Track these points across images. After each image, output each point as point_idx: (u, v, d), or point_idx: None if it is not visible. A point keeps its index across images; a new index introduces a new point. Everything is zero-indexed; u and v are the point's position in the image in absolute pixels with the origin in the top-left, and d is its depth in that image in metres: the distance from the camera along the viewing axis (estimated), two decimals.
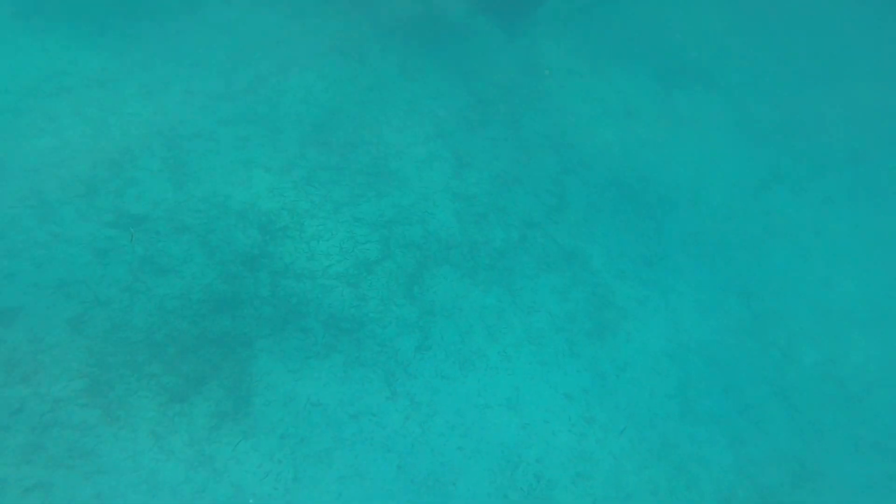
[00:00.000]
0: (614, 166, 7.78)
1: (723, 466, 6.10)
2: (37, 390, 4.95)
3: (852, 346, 7.08)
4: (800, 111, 8.97)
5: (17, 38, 7.16)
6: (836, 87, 9.32)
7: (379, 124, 7.26)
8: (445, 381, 5.85)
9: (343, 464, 5.29)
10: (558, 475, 5.72)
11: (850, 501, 6.16)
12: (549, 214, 7.11)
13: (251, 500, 5.17)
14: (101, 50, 7.24)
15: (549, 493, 5.61)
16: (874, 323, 7.27)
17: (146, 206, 6.05)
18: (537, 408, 5.95)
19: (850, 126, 8.93)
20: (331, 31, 8.23)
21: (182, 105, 6.91)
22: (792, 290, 7.29)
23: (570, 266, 6.82)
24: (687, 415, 6.26)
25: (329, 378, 5.57)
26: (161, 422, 5.01)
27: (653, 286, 6.94)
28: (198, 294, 5.64)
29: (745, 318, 6.96)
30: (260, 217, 6.23)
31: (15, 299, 5.36)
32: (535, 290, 6.53)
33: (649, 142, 8.12)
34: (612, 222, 7.27)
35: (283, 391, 5.41)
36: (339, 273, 6.11)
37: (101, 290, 5.47)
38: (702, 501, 5.86)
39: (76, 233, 5.83)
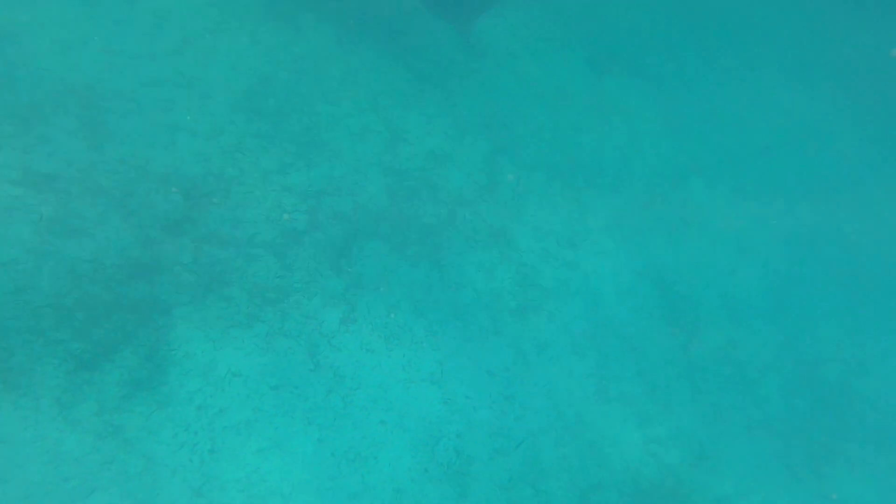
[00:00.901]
0: (544, 149, 7.73)
1: (632, 445, 6.21)
2: None
3: (751, 332, 7.36)
4: (719, 105, 9.21)
5: None
6: (753, 84, 9.62)
7: (312, 94, 6.91)
8: (370, 355, 5.66)
9: (262, 436, 5.03)
10: (477, 451, 5.66)
11: (740, 479, 6.41)
12: (479, 193, 7.00)
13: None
14: (12, 2, 6.56)
15: (468, 468, 5.54)
16: (772, 311, 7.58)
17: (57, 164, 5.51)
18: (460, 384, 5.85)
19: (762, 122, 9.25)
20: None
21: (100, 64, 6.34)
22: (701, 278, 7.48)
23: (497, 244, 6.73)
24: (601, 394, 6.33)
25: (251, 348, 5.27)
26: (67, 390, 4.59)
27: (575, 267, 6.95)
28: (112, 258, 5.19)
29: (658, 302, 7.08)
30: (183, 182, 5.81)
31: None
32: (463, 267, 6.42)
33: (580, 126, 8.12)
34: (539, 202, 7.23)
35: (202, 361, 5.07)
36: (265, 242, 5.78)
37: (1, 249, 4.94)
38: (611, 479, 5.96)
39: None
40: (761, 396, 7.06)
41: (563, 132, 7.95)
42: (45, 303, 4.83)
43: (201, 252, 5.51)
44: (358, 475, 5.16)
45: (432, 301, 6.10)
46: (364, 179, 6.55)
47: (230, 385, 5.06)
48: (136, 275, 5.21)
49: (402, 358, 5.75)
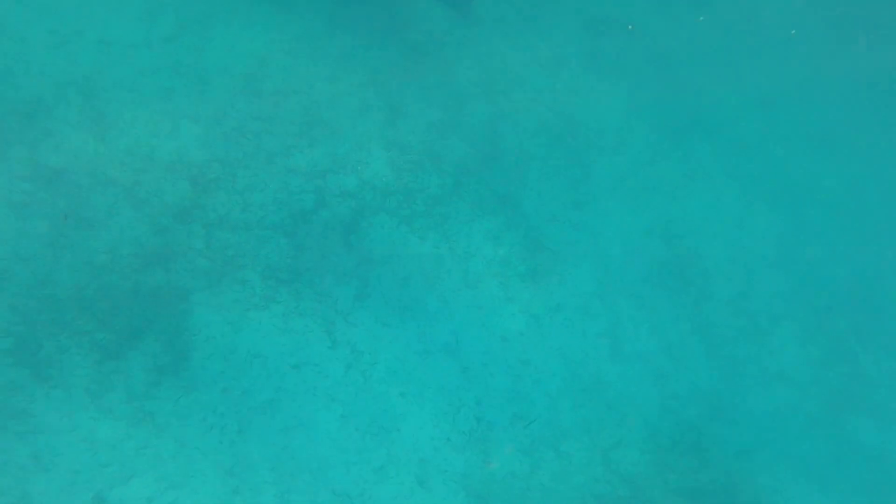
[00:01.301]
0: (544, 113, 7.78)
1: (649, 403, 6.38)
2: None
3: (761, 282, 7.48)
4: (717, 59, 9.21)
5: None
6: (750, 35, 9.61)
7: (310, 74, 6.96)
8: (385, 329, 5.82)
9: (287, 415, 5.21)
10: (497, 416, 5.83)
11: (759, 431, 6.58)
12: (482, 161, 7.09)
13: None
14: None
15: (489, 434, 5.72)
16: (781, 260, 7.69)
17: (65, 158, 5.62)
18: (475, 351, 6.02)
19: (760, 73, 9.27)
20: None
21: (98, 54, 6.40)
22: (708, 231, 7.59)
23: (503, 211, 6.85)
24: (616, 354, 6.49)
25: (269, 329, 5.44)
26: (96, 379, 4.77)
27: (582, 229, 7.07)
28: (128, 248, 5.34)
29: (666, 258, 7.21)
30: (190, 169, 5.91)
31: None
32: (470, 236, 6.54)
33: (578, 89, 8.16)
34: (542, 167, 7.33)
35: (223, 344, 5.24)
36: (274, 223, 5.91)
37: (20, 245, 5.09)
38: (631, 437, 6.13)
39: None
40: (776, 347, 7.21)
41: (561, 95, 8.00)
42: (66, 295, 4.99)
43: (213, 237, 5.65)
44: (382, 448, 5.35)
45: (443, 272, 6.24)
46: (367, 155, 6.65)
47: (252, 366, 5.24)
48: (151, 263, 5.36)
49: (416, 330, 5.91)
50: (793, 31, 9.89)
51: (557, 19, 8.70)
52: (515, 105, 7.75)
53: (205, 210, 5.77)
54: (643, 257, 7.16)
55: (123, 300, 5.12)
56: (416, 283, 6.11)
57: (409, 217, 6.42)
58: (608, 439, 6.03)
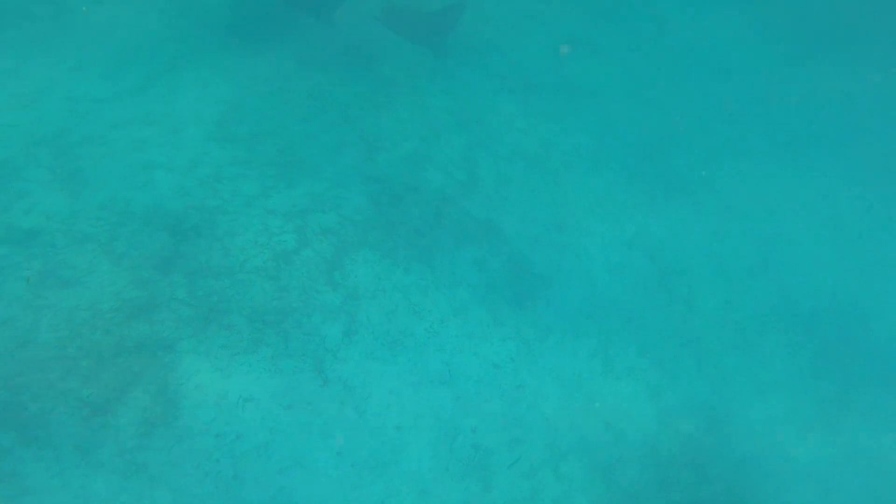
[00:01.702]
0: (519, 138, 8.06)
1: (646, 419, 6.51)
2: None
3: (746, 292, 7.73)
4: (681, 77, 9.66)
5: None
6: (714, 48, 10.11)
7: (283, 115, 7.17)
8: (376, 363, 5.91)
9: (282, 456, 5.25)
10: (495, 443, 5.92)
11: (758, 439, 6.73)
12: (461, 189, 7.30)
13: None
14: None
15: (488, 461, 5.80)
16: (763, 269, 7.96)
17: (38, 219, 5.70)
18: (468, 379, 6.12)
19: (728, 89, 9.73)
20: (219, 27, 8.04)
21: (65, 112, 6.55)
22: (689, 244, 7.85)
23: (486, 237, 7.02)
24: (609, 372, 6.64)
25: (259, 372, 5.50)
26: (85, 436, 4.77)
27: (565, 249, 7.28)
28: (109, 303, 5.39)
29: (651, 273, 7.44)
30: (167, 218, 6.02)
31: None
32: (455, 265, 6.69)
33: (550, 112, 8.48)
34: (521, 192, 7.56)
35: (213, 390, 5.28)
36: (257, 267, 6.01)
37: None
38: (631, 454, 6.25)
39: None
40: (765, 355, 7.42)
41: (534, 119, 8.30)
42: (48, 355, 5.01)
43: (195, 285, 5.73)
44: (381, 482, 5.40)
45: (430, 302, 6.37)
46: (346, 192, 6.81)
47: (244, 410, 5.28)
48: (134, 316, 5.41)
49: (407, 362, 6.00)
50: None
51: (524, 45, 9.08)
52: (489, 132, 8.04)
53: (185, 259, 5.86)
54: (628, 274, 7.37)
55: (108, 355, 5.15)
56: (404, 315, 6.22)
57: (392, 250, 6.56)
58: (607, 458, 6.14)
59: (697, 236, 7.93)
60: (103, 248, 5.70)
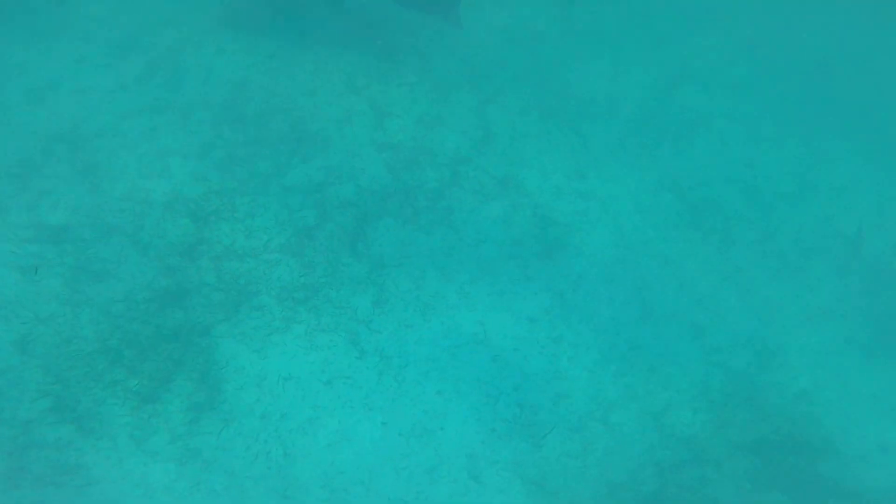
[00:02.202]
0: (530, 90, 8.19)
1: (692, 360, 6.66)
2: (1, 416, 5.04)
3: (784, 219, 7.78)
4: (694, 9, 9.57)
5: None
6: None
7: (289, 90, 7.39)
8: (410, 330, 6.18)
9: (328, 431, 5.58)
10: (539, 399, 6.15)
11: (814, 371, 6.84)
12: (476, 147, 7.48)
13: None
14: None
15: (534, 418, 6.03)
16: (799, 193, 7.99)
17: (65, 214, 6.06)
18: (504, 337, 6.36)
19: (744, 18, 9.62)
20: (217, 5, 8.22)
21: (76, 105, 6.85)
22: (719, 176, 7.92)
23: (506, 193, 7.21)
24: (648, 317, 6.79)
25: (295, 350, 5.82)
26: (138, 425, 5.17)
27: (590, 197, 7.43)
28: (142, 293, 5.75)
29: (681, 210, 7.55)
30: (188, 205, 6.33)
31: None
32: (478, 223, 6.90)
33: (560, 61, 8.56)
34: (538, 143, 7.70)
35: (253, 372, 5.63)
36: (280, 245, 6.30)
37: (39, 307, 5.51)
38: (680, 398, 6.41)
39: None
40: (812, 282, 7.47)
41: (545, 70, 8.40)
42: (93, 348, 5.40)
43: (222, 269, 6.05)
44: (429, 449, 5.69)
45: (457, 263, 6.60)
46: (361, 162, 7.04)
47: (285, 389, 5.62)
48: (167, 304, 5.76)
49: (441, 326, 6.26)
50: None
51: None
52: (500, 87, 8.15)
53: (210, 243, 6.17)
54: (658, 214, 7.49)
55: (148, 345, 5.52)
56: (432, 279, 6.47)
57: (413, 215, 6.79)
58: (657, 404, 6.31)
59: (726, 168, 7.98)
60: (130, 238, 6.04)
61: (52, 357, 5.31)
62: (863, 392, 6.81)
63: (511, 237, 6.91)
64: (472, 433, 5.85)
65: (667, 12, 9.54)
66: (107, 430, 5.10)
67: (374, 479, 5.46)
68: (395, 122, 7.48)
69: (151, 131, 6.75)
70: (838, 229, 7.84)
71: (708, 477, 6.03)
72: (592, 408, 6.20)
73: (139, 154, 6.58)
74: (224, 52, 7.58)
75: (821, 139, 8.51)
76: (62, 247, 5.87)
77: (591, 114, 8.15)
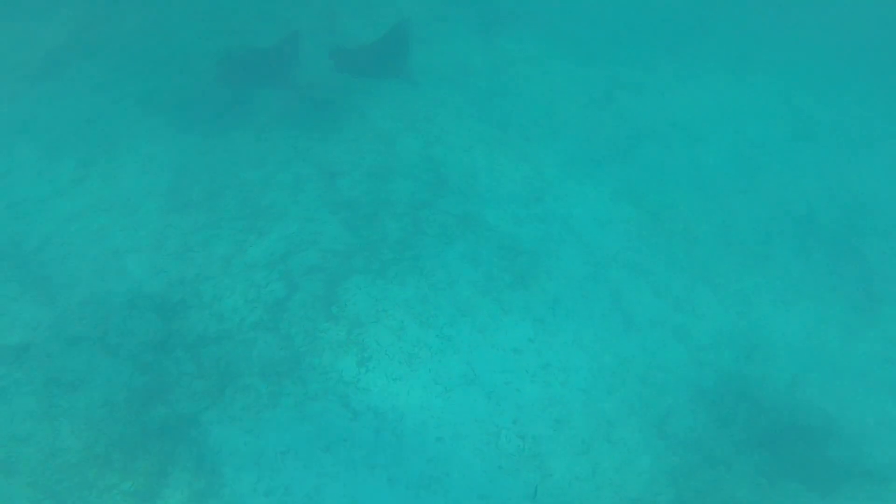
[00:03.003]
0: (473, 123, 8.84)
1: (680, 363, 7.11)
2: None
3: (739, 209, 8.52)
4: (616, 27, 10.50)
5: None
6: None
7: (234, 166, 7.84)
8: (399, 383, 6.47)
9: (335, 496, 5.76)
10: (539, 428, 6.46)
11: (798, 355, 7.36)
12: (431, 190, 8.00)
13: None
14: None
15: (538, 448, 6.31)
16: (748, 183, 8.74)
17: (24, 332, 6.25)
18: (494, 373, 6.68)
19: (666, 25, 10.59)
20: (141, 93, 8.69)
21: (11, 220, 7.12)
22: (669, 179, 8.63)
23: (469, 230, 7.71)
24: (629, 328, 7.25)
25: (288, 423, 6.05)
26: None
27: (550, 219, 7.99)
28: (121, 394, 5.93)
29: (641, 218, 8.19)
30: (152, 300, 6.59)
31: None
32: (447, 265, 7.33)
33: (495, 91, 9.28)
34: (490, 175, 8.29)
35: (249, 452, 5.82)
36: (254, 323, 6.59)
37: (14, 427, 5.65)
38: (678, 402, 6.80)
39: None
40: (780, 266, 8.11)
41: (482, 102, 9.08)
42: (79, 458, 5.52)
43: (200, 356, 6.29)
44: (439, 497, 5.89)
45: (433, 308, 6.97)
46: (319, 225, 7.45)
47: (284, 463, 5.84)
48: (149, 401, 5.95)
49: (429, 373, 6.57)
50: None
51: (453, 31, 9.80)
52: (442, 126, 8.78)
53: (182, 334, 6.42)
54: (619, 225, 8.09)
55: (137, 444, 5.68)
56: (412, 328, 6.81)
57: (382, 269, 7.18)
58: (656, 413, 6.68)
59: (675, 171, 8.70)
60: (98, 343, 6.25)
61: (39, 473, 5.41)
62: (850, 369, 7.33)
63: (482, 273, 7.35)
64: (479, 474, 6.07)
65: (589, 30, 10.38)
66: None
67: None
68: (345, 181, 7.94)
69: (99, 232, 7.04)
70: (791, 212, 8.57)
71: (721, 478, 6.35)
72: (592, 427, 6.51)
73: (91, 257, 6.85)
74: (157, 140, 7.99)
75: (752, 127, 9.33)
76: (27, 364, 6.04)
77: (535, 137, 8.81)
